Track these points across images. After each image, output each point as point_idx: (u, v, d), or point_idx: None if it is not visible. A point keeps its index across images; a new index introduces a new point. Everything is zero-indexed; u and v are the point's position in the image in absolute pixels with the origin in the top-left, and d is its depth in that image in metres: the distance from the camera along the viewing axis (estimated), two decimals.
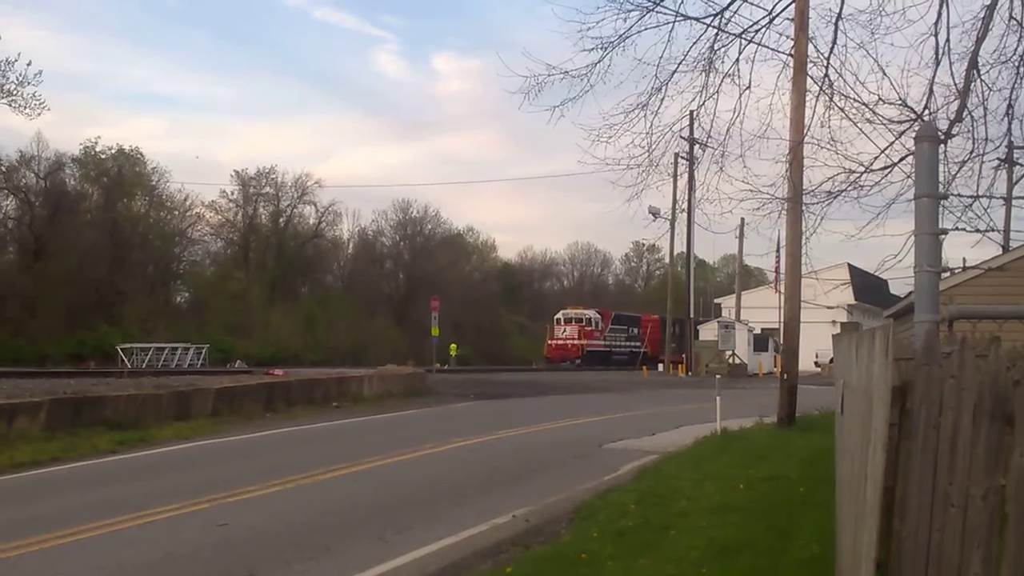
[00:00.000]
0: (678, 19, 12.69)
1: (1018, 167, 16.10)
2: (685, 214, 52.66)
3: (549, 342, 65.89)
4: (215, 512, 10.77)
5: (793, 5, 15.49)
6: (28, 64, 42.13)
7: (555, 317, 66.97)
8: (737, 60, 13.45)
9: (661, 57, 13.12)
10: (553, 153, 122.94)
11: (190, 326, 56.84)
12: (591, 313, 67.19)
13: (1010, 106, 10.29)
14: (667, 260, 64.68)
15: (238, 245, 71.12)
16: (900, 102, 10.44)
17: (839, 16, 11.65)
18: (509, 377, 43.84)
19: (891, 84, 11.16)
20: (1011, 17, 9.89)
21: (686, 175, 49.32)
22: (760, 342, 59.32)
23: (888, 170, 10.33)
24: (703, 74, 13.45)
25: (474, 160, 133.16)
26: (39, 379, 28.40)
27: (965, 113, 9.76)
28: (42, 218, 56.03)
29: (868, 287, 58.25)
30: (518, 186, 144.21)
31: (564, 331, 65.25)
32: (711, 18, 12.65)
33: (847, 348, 6.35)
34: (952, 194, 9.68)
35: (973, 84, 9.78)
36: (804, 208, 14.17)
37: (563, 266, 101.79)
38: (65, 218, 56.59)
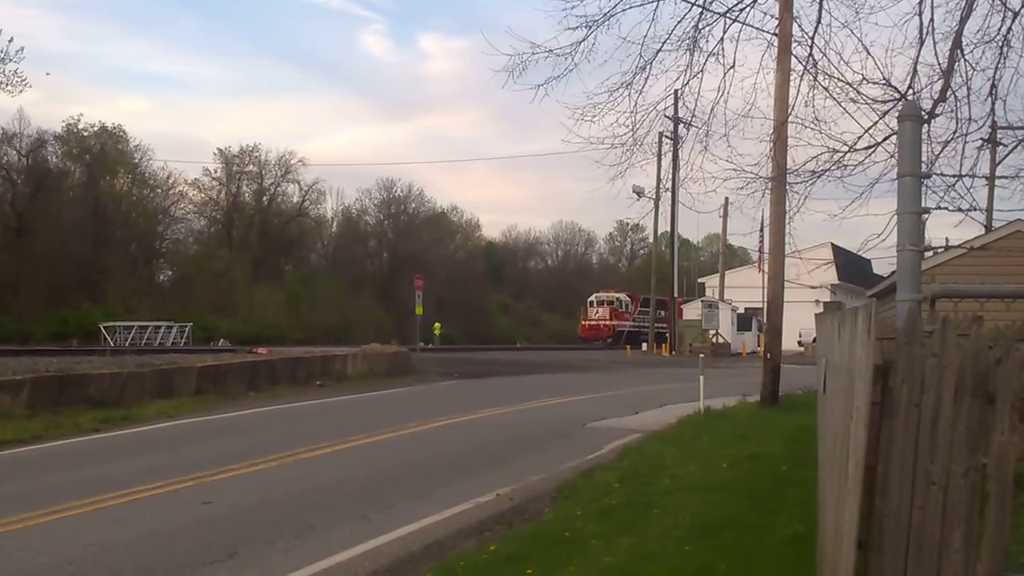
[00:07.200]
0: None
1: (1001, 147, 16.10)
2: (669, 193, 52.82)
3: (583, 323, 68.53)
4: (199, 490, 10.76)
5: None
6: (10, 41, 41.66)
7: (588, 300, 69.57)
8: (722, 39, 13.51)
9: (645, 36, 13.16)
10: (538, 133, 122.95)
11: (173, 304, 56.49)
12: (622, 296, 70.02)
13: (993, 86, 10.30)
14: (651, 239, 65.18)
15: (221, 223, 70.62)
16: (884, 82, 10.46)
17: None
18: (493, 356, 43.86)
19: (875, 64, 11.25)
20: None
21: (670, 154, 49.43)
22: (744, 322, 59.59)
23: (872, 149, 10.35)
24: (687, 53, 13.50)
25: (460, 139, 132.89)
26: (21, 357, 28.36)
27: (949, 93, 9.76)
28: (24, 196, 55.54)
29: (851, 267, 58.53)
30: (502, 165, 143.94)
31: (597, 313, 68.06)
32: None
33: (830, 327, 6.38)
34: (935, 173, 9.72)
35: (957, 64, 9.78)
36: (788, 187, 14.21)
37: (547, 245, 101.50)
38: (47, 196, 56.11)
